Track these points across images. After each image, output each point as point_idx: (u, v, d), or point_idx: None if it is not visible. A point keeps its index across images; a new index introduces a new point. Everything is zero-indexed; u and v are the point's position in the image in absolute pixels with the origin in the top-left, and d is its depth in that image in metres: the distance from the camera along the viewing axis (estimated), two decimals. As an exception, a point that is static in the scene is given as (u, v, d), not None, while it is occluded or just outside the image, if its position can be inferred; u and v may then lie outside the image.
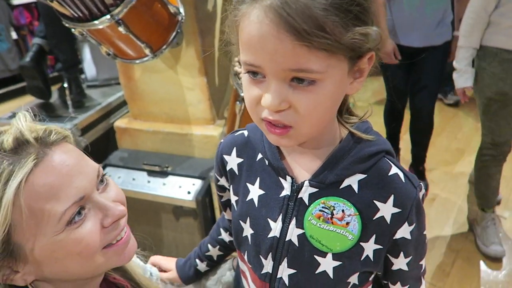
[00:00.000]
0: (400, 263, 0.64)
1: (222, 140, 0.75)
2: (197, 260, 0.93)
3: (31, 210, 0.49)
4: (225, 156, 0.72)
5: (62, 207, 0.50)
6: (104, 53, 1.49)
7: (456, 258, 1.91)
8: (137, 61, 1.56)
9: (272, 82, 0.50)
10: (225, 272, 0.92)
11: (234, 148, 0.70)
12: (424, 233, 0.65)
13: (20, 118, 0.55)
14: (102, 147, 2.08)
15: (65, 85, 2.09)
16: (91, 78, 2.38)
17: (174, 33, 1.50)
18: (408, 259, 0.64)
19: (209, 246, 0.91)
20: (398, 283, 0.67)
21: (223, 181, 0.75)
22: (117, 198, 0.59)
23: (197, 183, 1.79)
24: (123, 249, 0.60)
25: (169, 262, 0.95)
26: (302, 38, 0.46)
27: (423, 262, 0.68)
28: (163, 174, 1.84)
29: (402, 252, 0.63)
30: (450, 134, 3.00)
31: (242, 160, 0.69)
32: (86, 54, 2.32)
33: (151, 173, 1.84)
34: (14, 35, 4.18)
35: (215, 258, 0.91)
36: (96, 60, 2.35)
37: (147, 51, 1.43)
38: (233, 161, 0.70)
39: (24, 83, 4.11)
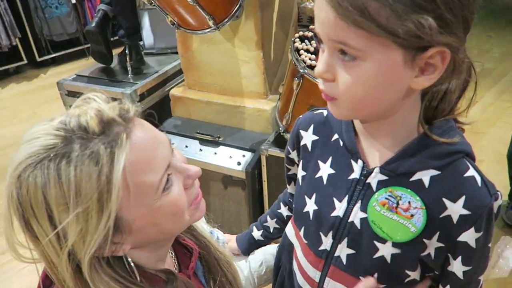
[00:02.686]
0: (456, 267, 0.61)
1: (300, 116, 0.77)
2: (254, 227, 0.98)
3: (134, 185, 0.51)
4: (302, 131, 0.74)
5: (157, 176, 0.54)
6: (169, 22, 1.54)
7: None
8: (199, 32, 1.60)
9: (325, 50, 0.53)
10: (270, 256, 0.96)
11: (312, 125, 0.73)
12: (489, 245, 0.61)
13: (96, 99, 0.55)
14: (157, 114, 2.16)
15: (127, 51, 2.17)
16: (148, 46, 2.46)
17: (237, 6, 1.52)
18: (466, 268, 0.61)
19: (268, 217, 0.96)
20: (448, 287, 0.65)
21: (294, 155, 0.78)
22: (183, 160, 0.63)
23: (247, 155, 1.84)
24: (201, 204, 0.65)
25: (230, 235, 1.01)
26: (340, 13, 0.47)
27: (481, 278, 0.64)
28: (215, 143, 1.91)
29: (460, 257, 0.60)
30: None
31: (317, 138, 0.71)
32: (145, 23, 2.39)
33: (203, 142, 1.91)
34: (73, -1, 4.34)
35: (271, 230, 0.96)
36: (155, 29, 2.41)
37: (210, 22, 1.46)
38: (308, 137, 0.73)
39: (81, 46, 4.36)
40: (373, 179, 0.62)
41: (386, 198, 0.61)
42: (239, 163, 1.81)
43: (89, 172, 0.48)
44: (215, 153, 1.88)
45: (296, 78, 1.45)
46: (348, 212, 0.64)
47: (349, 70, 0.51)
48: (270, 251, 0.96)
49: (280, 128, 1.65)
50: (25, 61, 4.21)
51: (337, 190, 0.66)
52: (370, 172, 0.62)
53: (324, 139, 0.70)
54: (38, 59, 4.28)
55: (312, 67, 1.41)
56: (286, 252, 0.84)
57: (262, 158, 1.77)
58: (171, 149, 0.60)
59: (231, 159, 1.84)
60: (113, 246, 0.54)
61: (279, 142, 1.76)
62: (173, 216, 0.58)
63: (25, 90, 3.97)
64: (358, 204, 0.63)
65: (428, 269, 0.65)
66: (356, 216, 0.64)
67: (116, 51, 2.37)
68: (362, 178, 0.63)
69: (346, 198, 0.65)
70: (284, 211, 0.92)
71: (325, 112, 0.73)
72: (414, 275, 0.64)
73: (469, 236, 0.58)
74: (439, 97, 0.59)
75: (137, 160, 0.51)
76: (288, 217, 0.92)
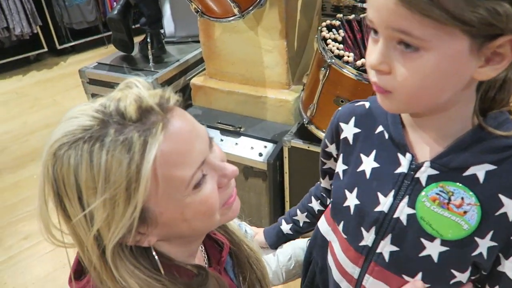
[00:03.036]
0: (508, 267, 0.58)
1: (340, 108, 0.74)
2: (283, 221, 0.96)
3: (164, 178, 0.49)
4: (342, 124, 0.71)
5: (189, 172, 0.51)
6: (193, 9, 1.51)
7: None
8: (223, 20, 1.56)
9: (381, 40, 0.49)
10: (299, 251, 0.93)
11: (353, 118, 0.69)
12: None
13: (137, 84, 0.52)
14: (177, 103, 2.15)
15: (148, 40, 2.15)
16: (169, 35, 2.44)
17: (262, -6, 1.48)
18: None
19: (298, 211, 0.93)
20: None
21: (332, 148, 0.75)
22: (221, 157, 0.59)
23: (269, 146, 1.82)
24: (234, 205, 0.62)
25: (258, 229, 0.99)
26: (403, 0, 0.43)
27: None
28: (236, 134, 1.89)
29: None
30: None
31: (359, 130, 0.68)
32: (166, 11, 2.37)
33: (224, 132, 1.89)
34: (92, -13, 4.35)
35: (300, 224, 0.93)
36: (175, 17, 2.39)
37: (235, 10, 1.43)
38: (349, 130, 0.70)
39: (101, 35, 4.38)
40: (423, 174, 0.59)
41: (437, 194, 0.58)
42: (260, 154, 1.79)
43: (120, 159, 0.47)
44: (236, 143, 1.86)
45: (323, 68, 1.41)
46: (393, 207, 0.62)
47: (409, 61, 0.48)
48: (299, 245, 0.94)
49: (304, 120, 1.62)
50: (46, 49, 4.25)
51: (382, 185, 0.63)
52: (419, 166, 0.59)
53: (366, 132, 0.67)
54: (59, 47, 4.32)
55: (339, 57, 1.37)
56: (318, 247, 0.81)
57: (285, 149, 1.74)
58: (210, 144, 0.57)
59: (253, 150, 1.82)
60: (138, 236, 0.53)
61: (302, 133, 1.73)
62: (203, 214, 0.55)
63: (45, 78, 4.01)
64: (405, 200, 0.60)
65: (476, 270, 0.62)
66: (403, 212, 0.61)
67: (136, 40, 2.35)
68: (411, 172, 0.60)
69: (392, 193, 0.62)
70: (315, 205, 0.90)
71: (366, 104, 0.69)
72: (460, 277, 0.61)
73: None
74: (497, 86, 0.55)
75: (170, 152, 0.49)
76: (320, 212, 0.89)
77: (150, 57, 2.15)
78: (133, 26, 2.30)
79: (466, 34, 0.45)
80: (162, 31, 2.40)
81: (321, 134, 1.58)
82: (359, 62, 1.32)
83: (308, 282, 0.85)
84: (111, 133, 0.47)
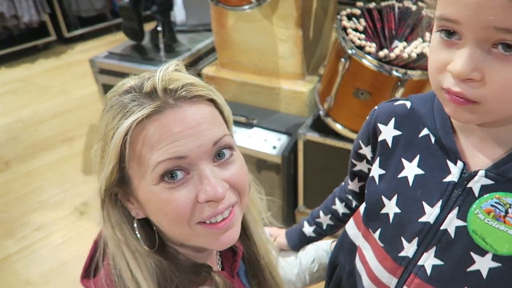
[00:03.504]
0: None
1: (376, 107, 0.68)
2: (305, 223, 0.92)
3: (138, 151, 0.52)
4: (380, 125, 0.65)
5: (157, 158, 0.51)
6: (208, -3, 1.46)
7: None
8: (239, 8, 1.51)
9: (468, 43, 0.43)
10: (322, 253, 0.89)
11: (393, 119, 0.64)
12: None
13: (164, 68, 0.55)
14: (189, 93, 2.11)
15: (159, 28, 2.10)
16: (180, 23, 2.39)
17: (280, -19, 1.42)
18: None
19: (321, 212, 0.89)
20: None
21: (366, 150, 0.70)
22: (230, 179, 0.55)
23: (283, 139, 1.78)
24: (216, 234, 0.56)
25: (279, 230, 0.95)
26: None
27: None
28: (249, 125, 1.85)
29: None
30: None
31: (400, 133, 0.63)
32: (177, -2, 2.31)
33: (237, 123, 1.85)
34: (101, -26, 4.28)
35: (324, 227, 0.89)
36: (187, 5, 2.34)
37: (252, -2, 1.37)
38: (388, 132, 0.64)
39: (109, 22, 4.33)
40: (476, 184, 0.54)
41: (492, 206, 0.53)
42: (274, 147, 1.75)
43: (115, 115, 0.53)
44: (249, 135, 1.82)
45: (343, 59, 1.36)
46: (440, 218, 0.57)
47: (510, 65, 0.43)
48: (323, 247, 0.90)
49: (321, 112, 1.57)
50: (54, 37, 4.21)
51: (427, 194, 0.58)
52: (472, 175, 0.54)
53: (408, 135, 0.62)
54: (67, 35, 4.28)
55: (361, 48, 1.31)
56: (345, 252, 0.77)
57: (299, 142, 1.70)
58: (213, 154, 0.54)
59: (266, 143, 1.78)
60: (124, 196, 0.57)
61: (318, 126, 1.69)
62: (165, 216, 0.53)
63: (53, 66, 3.98)
64: (455, 211, 0.56)
65: None
66: (451, 223, 0.56)
67: (146, 28, 2.31)
68: (463, 182, 0.55)
69: (439, 203, 0.57)
70: (340, 208, 0.85)
71: (408, 104, 0.64)
72: None
73: None
74: None
75: (151, 133, 0.51)
76: (344, 215, 0.85)
77: (161, 46, 2.11)
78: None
79: None
80: (173, 19, 2.35)
81: (338, 127, 1.54)
82: (381, 53, 1.27)
83: (333, 286, 0.82)
84: (128, 96, 0.53)
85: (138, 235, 0.57)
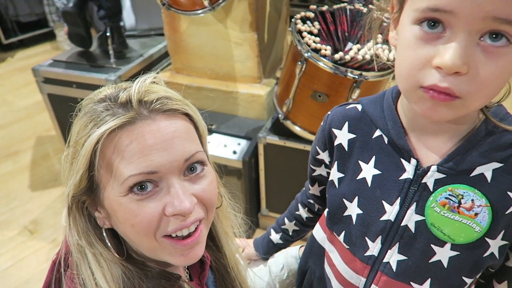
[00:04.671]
0: None
1: (329, 113, 0.69)
2: (272, 230, 0.91)
3: (108, 161, 0.51)
4: (335, 130, 0.66)
5: (129, 172, 0.50)
6: (159, 2, 1.41)
7: None
8: (191, 13, 1.48)
9: (458, 35, 0.42)
10: (292, 259, 0.90)
11: (346, 123, 0.65)
12: None
13: (142, 79, 0.55)
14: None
15: (108, 33, 2.01)
16: (130, 28, 2.30)
17: (233, -16, 1.40)
18: None
19: (286, 219, 0.89)
20: (505, 283, 0.62)
21: (324, 155, 0.71)
22: (199, 194, 0.55)
23: (243, 143, 1.76)
24: (184, 250, 0.55)
25: (246, 240, 0.94)
26: None
27: None
28: (208, 131, 1.81)
29: None
30: None
31: (354, 136, 0.64)
32: (126, 2, 2.22)
33: (195, 130, 1.81)
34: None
35: (290, 233, 0.89)
36: (136, 9, 2.26)
37: (205, 2, 1.35)
38: (343, 136, 0.65)
39: (51, 28, 4.10)
40: (430, 179, 0.56)
41: (446, 198, 0.56)
42: (234, 152, 1.73)
43: (87, 123, 0.52)
44: (209, 142, 1.78)
45: (299, 63, 1.36)
46: (400, 215, 0.59)
47: (499, 58, 0.43)
48: (292, 253, 0.89)
49: (280, 115, 1.57)
50: (-9, 44, 3.93)
51: (386, 193, 0.60)
52: (426, 171, 0.56)
53: (363, 137, 0.63)
54: (5, 42, 4.00)
55: (316, 50, 1.32)
56: (315, 256, 0.78)
57: (260, 146, 1.70)
58: (185, 168, 0.54)
59: (226, 148, 1.75)
60: (92, 206, 0.56)
61: (277, 129, 1.69)
62: (132, 227, 0.53)
63: (-8, 76, 3.71)
64: (413, 207, 0.58)
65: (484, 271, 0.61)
66: (411, 219, 0.58)
67: (94, 33, 2.20)
68: (417, 178, 0.57)
69: (398, 201, 0.59)
70: (303, 213, 0.86)
71: (359, 107, 0.65)
72: (469, 281, 0.60)
73: None
74: None
75: (123, 144, 0.51)
76: (308, 219, 0.86)
77: (111, 52, 2.01)
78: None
79: None
80: (122, 24, 2.26)
81: (298, 130, 1.54)
82: (337, 56, 1.28)
83: (304, 291, 0.81)
84: (102, 105, 0.53)
85: (108, 244, 0.57)
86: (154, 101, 0.53)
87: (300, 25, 1.40)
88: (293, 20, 1.44)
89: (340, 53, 1.29)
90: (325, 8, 1.50)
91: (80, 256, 0.55)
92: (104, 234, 0.57)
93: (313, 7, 1.48)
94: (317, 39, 1.35)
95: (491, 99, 0.49)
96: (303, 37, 1.36)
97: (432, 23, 0.44)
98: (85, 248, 0.55)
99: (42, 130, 2.84)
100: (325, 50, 1.31)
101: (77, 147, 0.53)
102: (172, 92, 0.57)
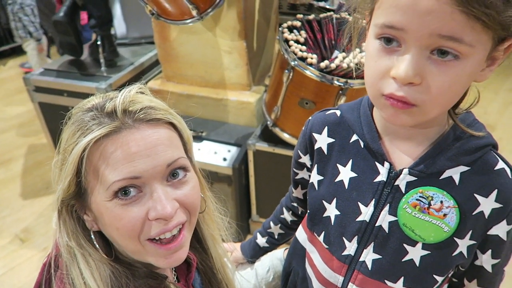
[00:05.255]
0: (485, 261, 0.62)
1: (310, 118, 0.72)
2: (258, 234, 0.94)
3: (95, 168, 0.54)
4: (315, 134, 0.69)
5: (113, 177, 0.53)
6: (148, 12, 1.43)
7: None
8: (180, 22, 1.50)
9: (411, 49, 0.46)
10: (277, 262, 0.92)
11: (326, 127, 0.68)
12: None
13: (127, 90, 0.58)
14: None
15: (98, 42, 2.03)
16: (120, 36, 2.32)
17: (221, -5, 1.43)
18: (495, 261, 0.61)
19: (271, 223, 0.91)
20: (475, 281, 0.65)
21: (305, 159, 0.74)
22: (181, 199, 0.57)
23: (233, 150, 1.78)
24: (168, 253, 0.58)
25: (234, 244, 0.96)
26: (463, 2, 0.42)
27: (505, 269, 0.65)
28: (198, 139, 1.83)
29: (490, 250, 0.60)
30: None
31: (333, 140, 0.67)
32: (117, 10, 2.24)
33: (185, 137, 1.83)
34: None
35: (275, 236, 0.91)
36: (127, 18, 2.28)
37: (194, 12, 1.38)
38: (323, 140, 0.68)
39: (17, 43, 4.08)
40: (402, 181, 0.59)
41: (417, 199, 0.59)
42: (224, 159, 1.75)
43: (75, 132, 0.55)
44: (199, 149, 1.80)
45: (286, 71, 1.39)
46: (375, 216, 0.62)
47: (448, 70, 0.46)
48: (277, 256, 0.92)
49: (268, 122, 1.60)
50: (-18, 52, 3.92)
51: (362, 194, 0.63)
52: (398, 174, 0.60)
53: (341, 141, 0.66)
54: (-4, 50, 4.00)
55: (303, 59, 1.35)
56: (298, 258, 0.80)
57: (249, 153, 1.72)
58: (167, 174, 0.56)
59: (216, 155, 1.77)
60: (81, 209, 0.59)
61: (266, 136, 1.71)
62: (117, 230, 0.55)
63: (-17, 84, 3.70)
64: (386, 208, 0.61)
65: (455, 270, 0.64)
66: (385, 220, 0.61)
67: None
68: (391, 180, 0.60)
69: (372, 202, 0.62)
70: (288, 216, 0.88)
71: (338, 112, 0.68)
72: (441, 280, 0.63)
73: (501, 229, 0.58)
74: None
75: (108, 151, 0.53)
76: (293, 222, 0.88)
77: (102, 61, 2.03)
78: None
79: (494, 38, 0.46)
80: (113, 32, 2.28)
81: (286, 137, 1.57)
82: (323, 64, 1.31)
83: (288, 292, 0.84)
84: (89, 114, 0.56)
85: (97, 245, 0.59)
86: (138, 111, 0.55)
87: (287, 34, 1.42)
88: (280, 29, 1.47)
89: (326, 62, 1.32)
90: (311, 17, 1.53)
91: (69, 256, 0.57)
92: (92, 236, 0.59)
93: (300, 16, 1.52)
94: (304, 47, 1.38)
95: (447, 107, 0.52)
96: (289, 46, 1.39)
97: (389, 39, 0.48)
98: (74, 249, 0.57)
99: (34, 138, 2.84)
100: (311, 58, 1.34)
101: (65, 154, 0.55)
102: (157, 101, 0.59)
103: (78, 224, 0.59)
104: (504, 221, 0.58)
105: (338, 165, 0.66)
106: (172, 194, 0.56)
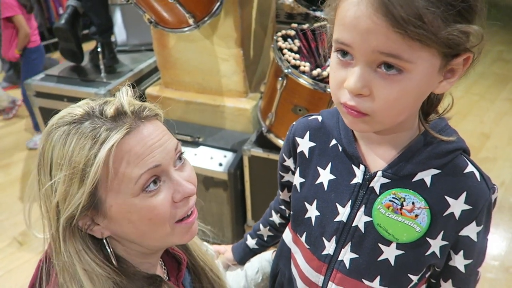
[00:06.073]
0: (458, 261, 0.64)
1: (294, 123, 0.75)
2: (248, 236, 0.96)
3: (116, 171, 0.56)
4: (297, 139, 0.73)
5: (139, 171, 0.56)
6: (146, 20, 1.47)
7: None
8: (177, 31, 1.54)
9: (359, 63, 0.50)
10: (265, 263, 0.95)
11: (308, 132, 0.71)
12: (487, 238, 0.64)
13: (123, 92, 0.61)
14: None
15: (99, 49, 2.07)
16: (121, 43, 2.36)
17: (217, 4, 1.48)
18: (467, 262, 0.64)
19: (261, 225, 0.94)
20: (450, 282, 0.67)
21: (289, 162, 0.77)
22: (189, 178, 0.64)
23: (229, 155, 1.81)
24: (189, 228, 0.64)
25: (226, 246, 0.99)
26: (397, 24, 0.45)
27: (480, 269, 0.67)
28: (195, 144, 1.86)
29: (462, 251, 0.63)
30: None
31: (314, 144, 0.70)
32: (117, 18, 2.29)
33: (182, 142, 1.83)
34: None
35: (265, 238, 0.94)
36: (127, 25, 2.32)
37: (190, 21, 1.41)
38: (305, 144, 0.71)
39: (46, 42, 4.15)
40: (376, 183, 0.62)
41: (390, 200, 0.61)
42: (220, 164, 1.78)
43: (84, 143, 0.55)
44: (195, 154, 1.83)
45: (280, 78, 1.42)
46: (351, 216, 0.65)
47: (392, 83, 0.50)
48: (266, 257, 0.94)
49: (263, 128, 1.63)
50: (-15, 58, 3.96)
51: (339, 196, 0.66)
52: (373, 176, 0.62)
53: (321, 145, 0.70)
54: (-1, 56, 4.05)
55: (296, 67, 1.39)
56: (284, 259, 0.82)
57: (244, 158, 1.74)
58: (179, 159, 0.63)
59: (212, 160, 1.80)
60: (92, 224, 0.60)
61: (262, 142, 1.74)
62: (149, 221, 0.59)
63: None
64: (362, 209, 0.64)
65: (428, 268, 0.66)
66: (360, 220, 0.64)
67: (85, 47, 2.26)
68: (366, 182, 0.63)
69: (349, 203, 0.65)
70: (276, 218, 0.91)
71: (319, 118, 0.72)
72: (416, 279, 0.65)
73: (471, 230, 0.61)
74: (437, 95, 0.60)
75: (127, 150, 0.56)
76: (281, 224, 0.91)
77: (102, 67, 2.07)
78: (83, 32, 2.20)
79: (440, 53, 0.49)
80: (113, 39, 2.32)
81: (280, 143, 1.60)
82: (315, 72, 1.35)
83: (275, 293, 0.86)
84: (87, 123, 0.57)
85: (109, 249, 0.62)
86: (142, 109, 0.60)
87: (281, 43, 1.46)
88: (274, 37, 1.50)
89: (318, 70, 1.36)
90: (306, 26, 1.57)
91: (69, 277, 0.59)
92: (105, 241, 0.62)
93: (294, 25, 1.56)
94: (297, 56, 1.41)
95: (400, 116, 0.55)
96: (283, 54, 1.42)
97: (344, 52, 0.52)
98: (77, 267, 0.59)
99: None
100: (304, 66, 1.37)
101: (75, 171, 0.55)
102: (142, 102, 0.64)
103: (83, 240, 0.60)
104: (474, 223, 0.60)
105: (318, 167, 0.69)
106: (182, 177, 0.62)
